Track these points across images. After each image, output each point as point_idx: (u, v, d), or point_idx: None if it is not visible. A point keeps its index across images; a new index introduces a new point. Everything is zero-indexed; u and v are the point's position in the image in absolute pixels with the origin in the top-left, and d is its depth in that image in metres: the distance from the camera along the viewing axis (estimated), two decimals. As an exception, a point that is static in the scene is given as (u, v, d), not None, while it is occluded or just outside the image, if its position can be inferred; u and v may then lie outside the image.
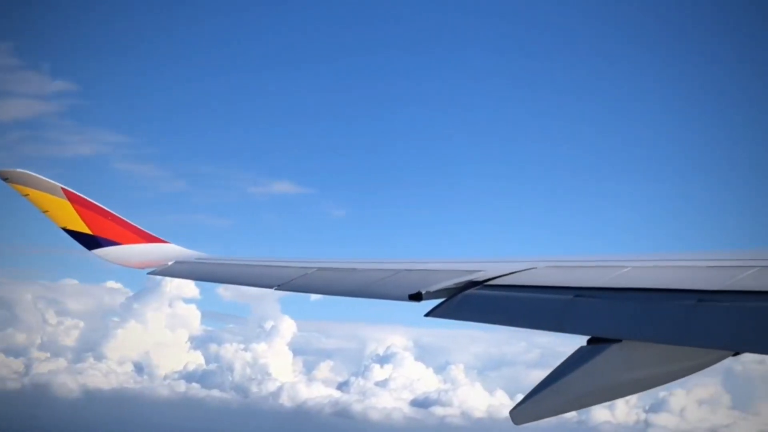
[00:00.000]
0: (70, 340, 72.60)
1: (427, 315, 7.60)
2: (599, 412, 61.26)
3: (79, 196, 13.10)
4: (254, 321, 75.24)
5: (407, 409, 65.38)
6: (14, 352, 70.64)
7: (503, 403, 64.69)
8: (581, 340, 6.40)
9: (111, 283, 78.01)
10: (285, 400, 65.97)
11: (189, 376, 69.43)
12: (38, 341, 71.90)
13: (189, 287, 70.36)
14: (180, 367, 70.05)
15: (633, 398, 57.80)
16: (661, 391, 59.82)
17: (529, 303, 7.13)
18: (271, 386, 67.26)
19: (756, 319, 5.54)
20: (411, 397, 66.39)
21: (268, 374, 68.36)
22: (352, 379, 68.63)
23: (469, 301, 7.45)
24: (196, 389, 67.99)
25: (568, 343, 6.59)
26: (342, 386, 68.39)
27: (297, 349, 74.77)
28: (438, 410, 64.92)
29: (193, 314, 73.54)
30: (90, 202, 13.13)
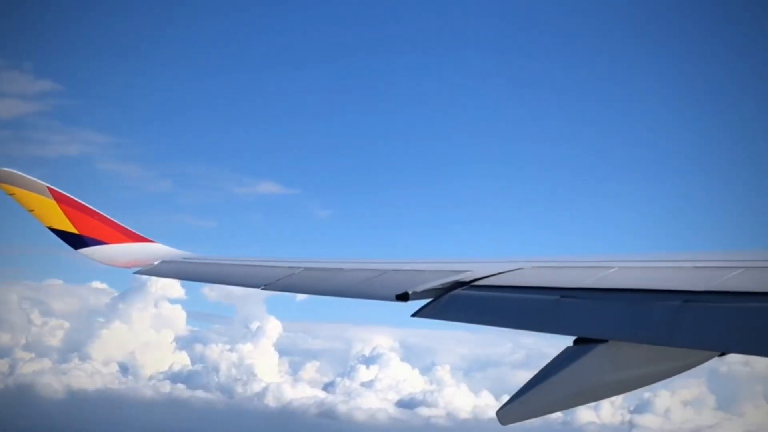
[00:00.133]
0: (55, 340, 72.37)
1: (413, 315, 7.61)
2: (584, 413, 61.41)
3: (65, 195, 13.07)
4: (240, 321, 75.05)
5: (392, 410, 65.41)
6: (-2, 352, 70.34)
7: (488, 404, 64.83)
8: (567, 341, 6.41)
9: (96, 284, 77.75)
10: (270, 401, 65.92)
11: (174, 377, 69.31)
12: (23, 341, 71.62)
13: (174, 288, 70.25)
14: (165, 368, 69.93)
15: (618, 399, 58.01)
16: (646, 392, 60.09)
17: (515, 303, 7.14)
18: (257, 387, 67.20)
19: (741, 319, 5.57)
20: (396, 397, 66.44)
21: (254, 375, 68.31)
22: (338, 379, 68.63)
23: (456, 301, 7.46)
24: (181, 390, 67.86)
25: (553, 344, 6.61)
26: (328, 387, 68.38)
27: (283, 350, 74.76)
28: (423, 411, 64.99)
29: (179, 315, 73.40)
30: (76, 202, 13.09)
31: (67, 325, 73.59)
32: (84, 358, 69.46)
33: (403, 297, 7.69)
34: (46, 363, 68.59)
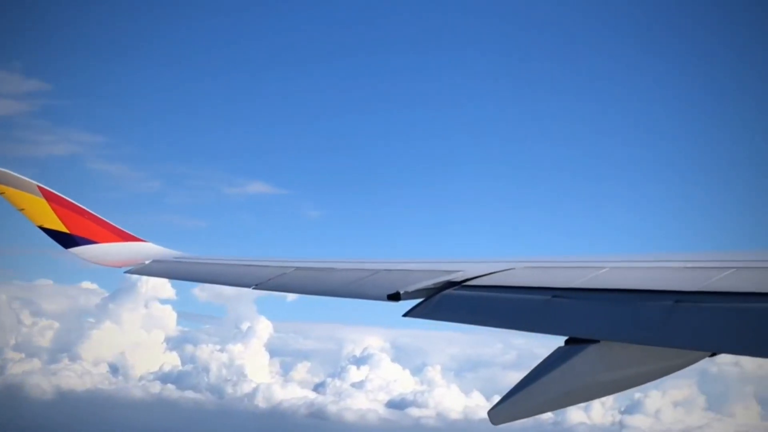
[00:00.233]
0: (44, 340, 72.13)
1: (405, 315, 7.61)
2: (575, 414, 61.47)
3: (55, 194, 13.04)
4: (230, 322, 74.87)
5: (383, 411, 65.38)
6: (-12, 352, 70.11)
7: (479, 405, 64.80)
8: (557, 342, 6.42)
9: (86, 284, 77.53)
10: (260, 402, 65.80)
11: (165, 377, 69.15)
12: (12, 342, 71.42)
13: (165, 288, 70.10)
14: (156, 368, 69.79)
15: (609, 400, 58.09)
16: (636, 393, 60.22)
17: (507, 303, 7.15)
18: (247, 387, 67.09)
19: (732, 320, 5.58)
20: (387, 398, 66.39)
21: (244, 375, 68.22)
22: (329, 380, 68.54)
23: (448, 301, 7.46)
24: (171, 390, 67.74)
25: (544, 345, 6.61)
26: (318, 387, 68.30)
27: (274, 350, 74.72)
28: (414, 411, 64.96)
29: (169, 315, 73.20)
30: (67, 201, 13.07)
31: (57, 325, 73.41)
32: (74, 358, 69.31)
33: (395, 297, 7.70)
34: (35, 363, 68.43)
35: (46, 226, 12.99)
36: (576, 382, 6.39)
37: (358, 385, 67.08)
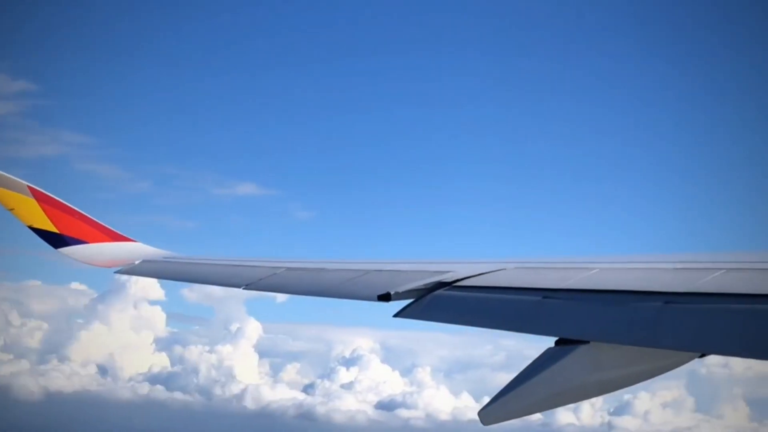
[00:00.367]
0: (33, 341, 71.86)
1: (396, 315, 7.62)
2: (564, 415, 61.49)
3: (45, 194, 13.02)
4: (219, 323, 74.67)
5: (371, 412, 65.32)
6: (-24, 353, 69.85)
7: (468, 406, 64.79)
8: (547, 343, 6.43)
9: (75, 285, 77.25)
10: (249, 403, 65.66)
11: (154, 378, 68.94)
12: (1, 343, 71.18)
13: (154, 289, 69.87)
14: (145, 369, 69.62)
15: (598, 401, 58.16)
16: (625, 394, 60.33)
17: (497, 304, 7.16)
18: (235, 388, 66.99)
19: (722, 321, 5.60)
20: (376, 399, 66.35)
21: (233, 376, 68.11)
22: (318, 381, 68.46)
23: (438, 301, 7.48)
24: (159, 391, 67.57)
25: (534, 346, 6.63)
26: (307, 389, 68.22)
27: (263, 352, 74.51)
28: (403, 413, 64.92)
29: (158, 316, 72.94)
30: (57, 201, 13.04)
31: (45, 326, 73.15)
32: (62, 359, 69.09)
33: (386, 297, 7.71)
34: (24, 364, 68.21)
35: (36, 226, 12.96)
36: (566, 383, 6.41)
37: (348, 387, 67.05)
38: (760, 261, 6.30)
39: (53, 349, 70.17)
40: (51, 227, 12.94)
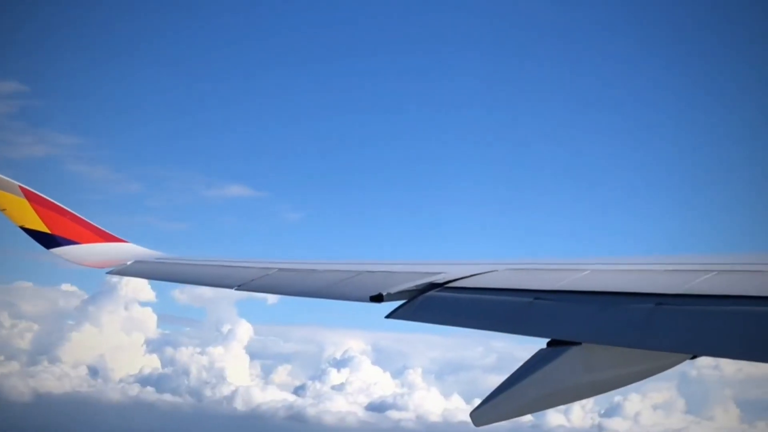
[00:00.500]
0: (24, 343, 71.66)
1: (388, 316, 7.63)
2: (554, 416, 61.52)
3: (37, 194, 12.99)
4: (210, 325, 74.55)
5: (362, 413, 65.27)
6: (-33, 355, 69.62)
7: (459, 407, 64.76)
8: (538, 345, 6.45)
9: (66, 286, 76.98)
10: (239, 404, 65.54)
11: (144, 380, 68.78)
12: (-9, 344, 70.90)
13: (145, 290, 69.76)
14: (135, 371, 69.49)
15: (589, 402, 58.27)
16: (616, 396, 60.36)
17: (489, 305, 7.17)
18: (226, 390, 66.91)
19: (713, 322, 5.61)
20: (367, 401, 66.29)
21: (224, 378, 68.04)
22: (309, 383, 68.40)
23: (430, 302, 7.48)
24: (149, 392, 67.46)
25: (525, 348, 6.65)
26: (298, 390, 68.16)
27: (254, 353, 74.49)
28: (393, 414, 64.88)
29: (149, 317, 72.74)
30: (48, 201, 13.02)
31: (36, 327, 72.95)
32: (53, 360, 68.93)
33: (378, 298, 7.71)
34: (14, 366, 68.04)
35: (28, 226, 12.94)
36: (558, 384, 6.42)
37: (338, 388, 67.01)
38: (752, 263, 6.33)
39: (44, 351, 70.03)
40: (43, 228, 12.91)
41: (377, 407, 65.96)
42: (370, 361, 69.80)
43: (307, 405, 65.62)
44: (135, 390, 67.84)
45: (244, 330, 70.55)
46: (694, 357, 6.43)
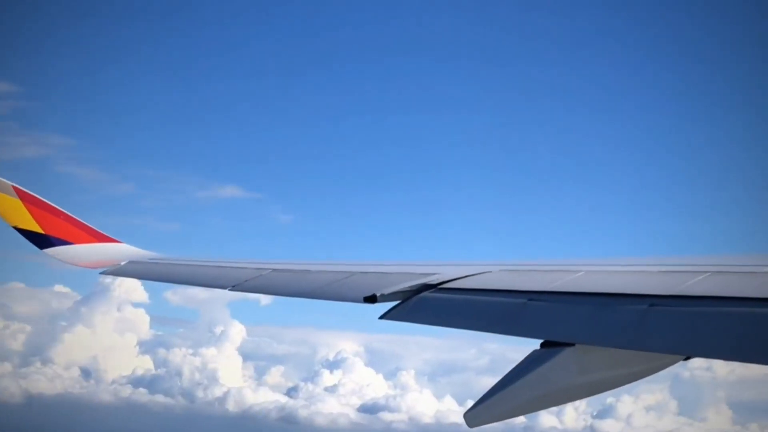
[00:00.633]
0: (16, 344, 71.48)
1: (381, 317, 7.63)
2: (547, 418, 61.52)
3: (30, 194, 12.97)
4: (203, 326, 74.46)
5: (354, 415, 65.18)
6: (-40, 356, 69.44)
7: (451, 409, 64.75)
8: (532, 346, 6.46)
9: (59, 287, 76.78)
10: (231, 406, 65.42)
11: (137, 381, 68.61)
12: (-16, 346, 70.72)
13: (138, 291, 69.64)
14: (128, 372, 69.37)
15: (582, 404, 58.27)
16: (609, 397, 60.38)
17: (483, 306, 7.18)
18: (218, 391, 66.79)
19: (706, 324, 5.63)
20: (359, 402, 66.22)
21: (217, 379, 67.94)
22: (302, 384, 68.34)
23: (424, 304, 7.49)
24: (141, 394, 67.33)
25: (518, 349, 6.67)
26: (291, 392, 68.09)
27: (247, 354, 74.25)
28: (386, 416, 64.82)
29: (142, 318, 72.57)
30: (42, 201, 12.99)
31: (29, 328, 72.76)
32: (46, 362, 68.78)
33: (371, 299, 7.71)
34: (6, 367, 67.88)
35: (21, 226, 12.91)
36: (551, 386, 6.44)
37: (331, 390, 66.96)
38: (746, 264, 6.34)
39: (36, 352, 69.86)
40: (36, 228, 12.89)
41: (369, 409, 65.93)
42: (363, 362, 69.80)
43: (299, 406, 65.55)
44: (127, 391, 67.75)
45: (237, 331, 70.50)
46: (687, 358, 6.46)
